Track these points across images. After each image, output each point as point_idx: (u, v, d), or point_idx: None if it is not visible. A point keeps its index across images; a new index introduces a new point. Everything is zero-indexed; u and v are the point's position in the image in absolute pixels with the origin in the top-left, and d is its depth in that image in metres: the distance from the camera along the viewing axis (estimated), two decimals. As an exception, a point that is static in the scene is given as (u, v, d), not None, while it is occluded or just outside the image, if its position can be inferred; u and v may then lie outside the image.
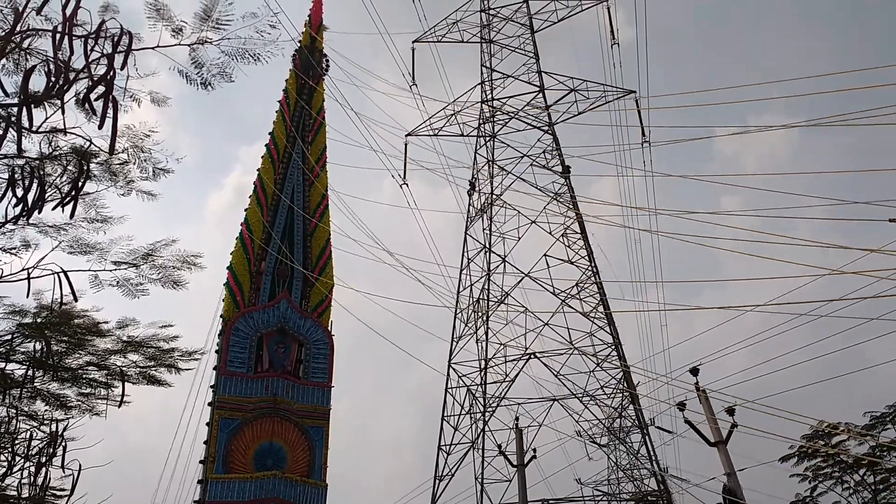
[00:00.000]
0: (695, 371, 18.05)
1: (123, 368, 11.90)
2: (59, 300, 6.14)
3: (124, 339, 12.01)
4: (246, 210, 22.36)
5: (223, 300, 21.12)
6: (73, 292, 6.19)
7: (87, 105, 5.64)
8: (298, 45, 25.37)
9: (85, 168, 6.69)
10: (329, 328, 21.69)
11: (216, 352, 20.73)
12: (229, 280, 21.18)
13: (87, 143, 6.63)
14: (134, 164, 8.33)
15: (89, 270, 9.71)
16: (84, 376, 12.08)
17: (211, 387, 20.25)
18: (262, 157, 23.21)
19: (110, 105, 5.22)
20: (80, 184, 5.97)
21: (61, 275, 6.00)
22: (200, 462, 19.51)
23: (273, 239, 21.94)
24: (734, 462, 16.78)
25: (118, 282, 10.14)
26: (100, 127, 5.27)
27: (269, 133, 23.67)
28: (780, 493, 22.59)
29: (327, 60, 26.32)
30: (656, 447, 23.91)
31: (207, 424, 19.80)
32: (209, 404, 20.08)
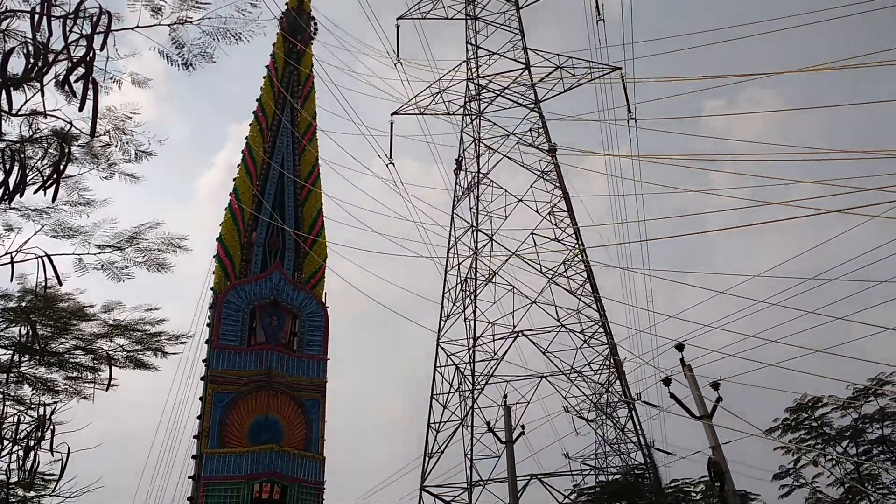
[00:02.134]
0: (680, 347, 18.29)
1: (110, 352, 11.96)
2: (43, 284, 6.15)
3: (110, 322, 12.06)
4: (235, 179, 22.03)
5: (213, 272, 21.01)
6: (57, 276, 6.17)
7: (66, 87, 5.60)
8: (286, 6, 24.82)
9: (66, 151, 6.64)
10: (323, 300, 21.62)
11: (207, 325, 20.67)
12: (219, 252, 21.01)
13: (68, 126, 6.60)
14: (116, 146, 8.25)
15: (73, 254, 9.58)
16: (70, 361, 12.10)
17: (203, 361, 20.25)
18: (251, 124, 22.71)
19: (90, 87, 5.16)
20: (61, 167, 5.92)
21: (45, 259, 5.99)
22: (194, 437, 19.56)
23: (264, 208, 21.72)
24: (719, 435, 17.08)
25: (103, 265, 10.02)
26: (80, 109, 5.23)
27: (257, 100, 23.12)
28: (765, 466, 23.00)
29: (315, 24, 25.68)
30: (643, 421, 24.25)
31: (200, 399, 19.81)
32: (202, 379, 20.09)
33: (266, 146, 22.72)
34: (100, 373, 12.33)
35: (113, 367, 11.19)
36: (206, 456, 18.74)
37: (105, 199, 9.38)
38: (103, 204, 9.46)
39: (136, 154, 8.40)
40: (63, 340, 12.00)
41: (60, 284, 7.41)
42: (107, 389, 10.51)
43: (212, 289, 21.07)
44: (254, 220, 21.71)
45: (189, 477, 19.59)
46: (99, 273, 10.12)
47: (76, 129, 6.75)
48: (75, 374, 12.41)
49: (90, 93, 5.18)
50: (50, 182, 5.58)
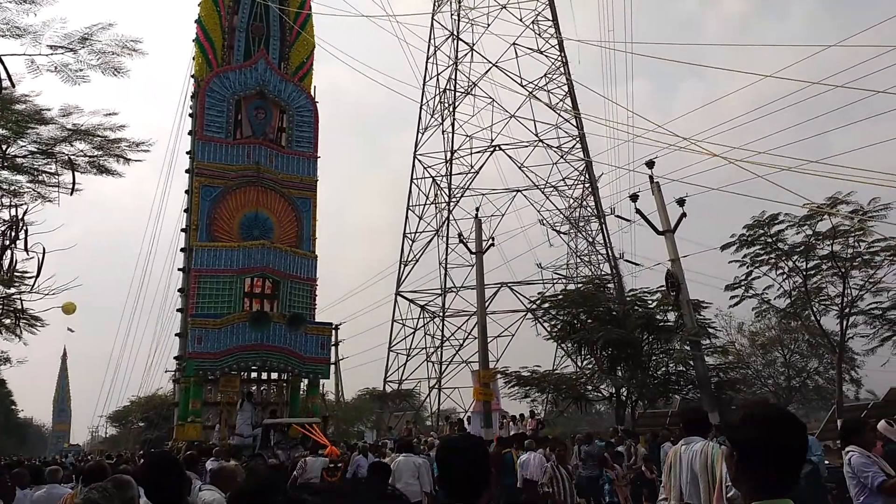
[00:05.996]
0: (650, 164, 18.73)
1: (72, 157, 11.70)
2: None
3: (69, 127, 11.67)
4: (213, -45, 19.85)
5: (193, 58, 19.37)
6: (9, 77, 5.76)
7: None
8: None
9: None
10: (312, 94, 20.42)
11: (190, 115, 19.32)
12: (198, 35, 19.22)
13: None
14: None
15: (24, 55, 9.04)
16: (31, 166, 11.89)
17: (188, 153, 19.08)
18: None
19: None
20: None
21: None
22: (182, 230, 18.77)
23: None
24: (681, 250, 18.02)
25: (56, 67, 9.58)
26: None
27: None
28: (724, 276, 24.69)
29: None
30: (613, 235, 25.21)
31: (186, 192, 18.86)
32: (186, 171, 19.03)
33: (245, -84, 20.25)
34: (59, 176, 12.13)
35: (76, 172, 11.17)
36: (196, 249, 18.06)
37: None
38: (50, 1, 8.97)
39: None
40: (22, 144, 11.59)
41: (13, 86, 6.93)
42: (71, 193, 10.81)
43: (192, 76, 19.43)
44: (235, 1, 19.77)
45: (179, 269, 18.98)
46: (53, 76, 9.67)
47: None
48: (38, 177, 12.13)
49: None
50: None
